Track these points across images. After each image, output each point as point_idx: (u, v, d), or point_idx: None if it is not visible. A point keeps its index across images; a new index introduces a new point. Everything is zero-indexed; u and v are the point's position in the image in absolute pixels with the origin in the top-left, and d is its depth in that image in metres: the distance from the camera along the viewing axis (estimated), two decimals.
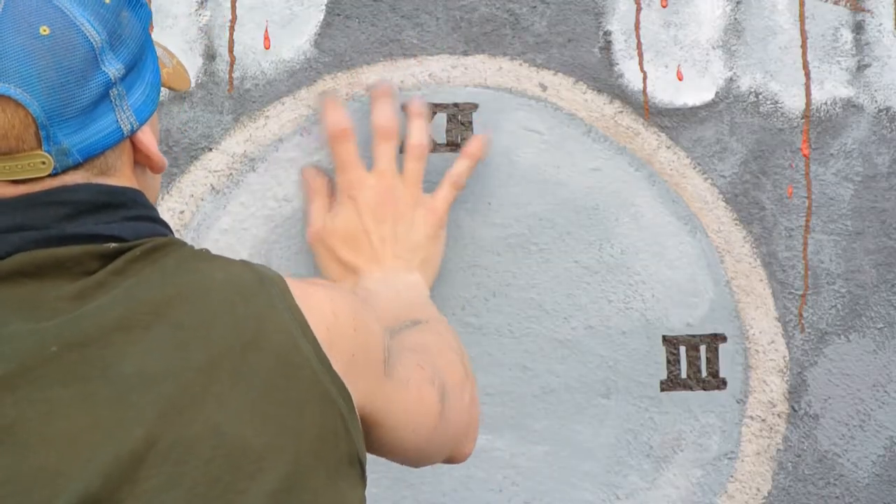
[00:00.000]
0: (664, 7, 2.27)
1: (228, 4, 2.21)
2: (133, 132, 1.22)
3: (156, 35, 2.25)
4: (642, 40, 2.26)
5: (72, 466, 1.02)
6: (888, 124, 2.29)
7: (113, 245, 1.16)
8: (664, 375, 2.24)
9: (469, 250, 2.21)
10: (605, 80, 2.25)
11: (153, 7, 2.22)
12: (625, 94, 2.25)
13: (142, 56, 1.23)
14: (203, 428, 1.07)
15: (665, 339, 2.24)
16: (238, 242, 2.18)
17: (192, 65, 2.20)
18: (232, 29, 2.22)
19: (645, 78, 2.26)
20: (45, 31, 1.14)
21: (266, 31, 2.21)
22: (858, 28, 2.29)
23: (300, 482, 1.12)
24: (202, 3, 2.21)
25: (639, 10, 2.26)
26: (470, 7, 2.23)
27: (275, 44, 2.21)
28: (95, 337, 1.09)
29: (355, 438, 1.20)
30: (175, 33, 2.21)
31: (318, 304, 1.24)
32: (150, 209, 1.25)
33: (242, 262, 1.25)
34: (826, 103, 2.28)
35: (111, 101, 1.19)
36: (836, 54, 2.29)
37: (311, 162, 2.20)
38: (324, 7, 2.22)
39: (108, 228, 1.17)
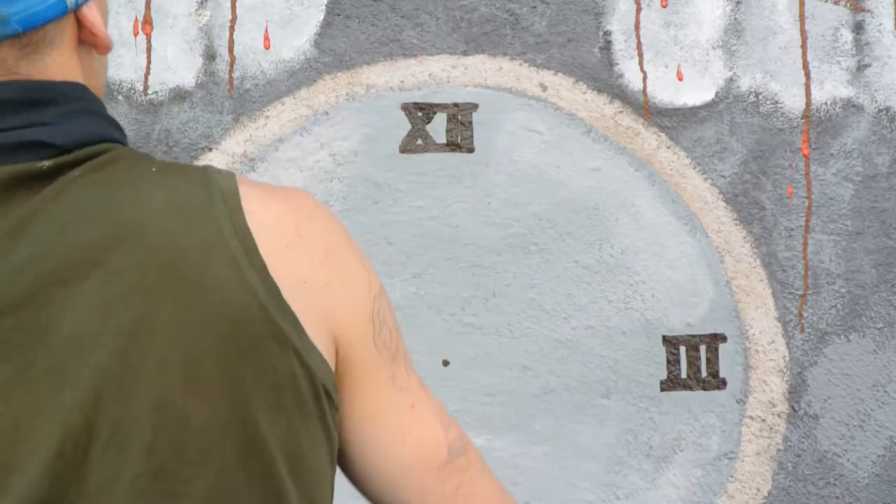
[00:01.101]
0: (664, 7, 2.27)
1: (228, 4, 2.21)
2: (78, 6, 1.14)
3: (156, 35, 2.25)
4: (642, 40, 2.26)
5: (16, 459, 0.96)
6: (888, 124, 2.29)
7: (47, 164, 1.06)
8: (664, 375, 2.24)
9: (469, 250, 2.21)
10: (605, 80, 2.25)
11: (153, 7, 2.22)
12: (625, 94, 2.25)
13: None
14: (143, 405, 0.97)
15: (665, 339, 2.24)
16: None
17: (192, 65, 2.20)
18: (232, 29, 2.21)
19: (645, 78, 2.26)
20: None
21: (266, 31, 2.21)
22: (858, 28, 2.29)
23: (255, 448, 1.02)
24: (202, 3, 2.21)
25: (639, 10, 2.26)
26: (470, 7, 2.23)
27: (275, 44, 2.21)
28: (32, 294, 1.00)
29: (315, 369, 1.07)
30: (175, 33, 2.20)
31: (276, 221, 1.09)
32: (92, 102, 1.14)
33: (196, 170, 1.10)
34: (826, 103, 2.28)
35: None
36: (836, 54, 2.29)
37: (311, 162, 2.20)
38: (324, 7, 2.22)
39: (37, 132, 1.08)
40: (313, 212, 1.13)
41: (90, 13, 1.16)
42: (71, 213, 1.04)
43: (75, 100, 1.13)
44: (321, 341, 1.10)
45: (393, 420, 1.19)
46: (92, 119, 1.13)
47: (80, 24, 1.16)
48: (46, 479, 0.98)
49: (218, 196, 1.07)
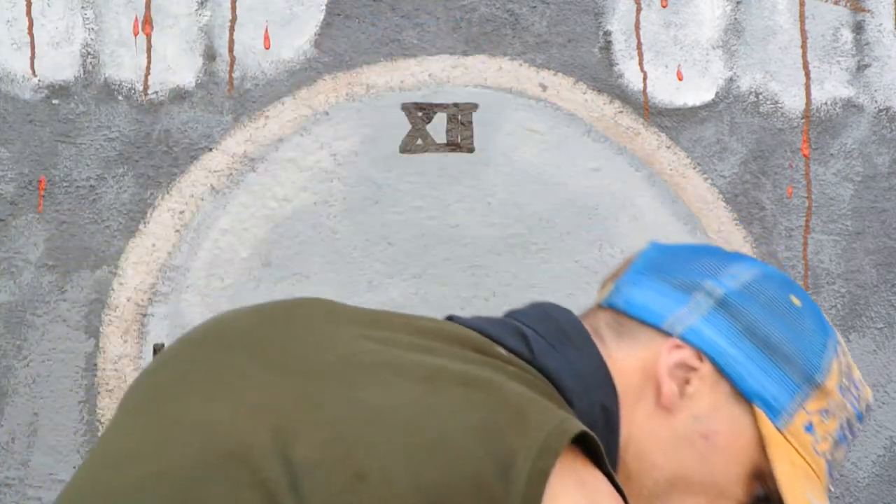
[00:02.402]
0: (664, 7, 2.27)
1: (228, 4, 2.21)
2: (679, 337, 1.10)
3: (156, 35, 2.25)
4: (642, 40, 2.26)
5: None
6: (888, 124, 2.29)
7: (502, 350, 1.05)
8: None
9: (469, 250, 2.21)
10: (605, 80, 2.25)
11: (153, 7, 2.22)
12: (625, 94, 2.25)
13: (764, 351, 1.11)
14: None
15: None
16: (238, 242, 2.17)
17: (192, 65, 2.20)
18: (232, 29, 2.21)
19: (645, 78, 2.26)
20: (796, 301, 1.13)
21: (266, 31, 2.21)
22: (858, 28, 2.29)
23: None
24: (202, 3, 2.21)
25: (639, 10, 2.26)
26: (470, 7, 2.23)
27: (275, 44, 2.21)
28: (337, 366, 1.01)
29: None
30: (175, 33, 2.21)
31: None
32: (597, 397, 1.05)
33: (540, 423, 0.95)
34: (826, 103, 2.28)
35: (690, 299, 1.12)
36: (836, 54, 2.29)
37: (311, 162, 2.20)
38: (324, 7, 2.22)
39: (530, 331, 1.08)
40: None
41: (675, 356, 1.10)
42: (424, 378, 1.01)
43: (588, 370, 1.08)
44: None
45: None
46: (573, 380, 1.07)
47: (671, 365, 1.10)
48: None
49: (517, 484, 0.93)
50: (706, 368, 1.10)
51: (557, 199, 2.23)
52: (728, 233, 2.26)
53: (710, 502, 1.13)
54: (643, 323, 1.12)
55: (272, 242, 2.19)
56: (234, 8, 2.21)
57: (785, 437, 1.11)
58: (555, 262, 2.22)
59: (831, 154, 2.28)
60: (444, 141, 2.20)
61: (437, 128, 2.20)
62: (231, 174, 2.20)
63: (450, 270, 2.19)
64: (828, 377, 1.14)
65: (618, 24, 2.25)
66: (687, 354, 1.10)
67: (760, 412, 1.10)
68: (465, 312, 2.19)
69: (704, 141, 2.26)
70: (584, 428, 0.96)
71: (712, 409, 1.11)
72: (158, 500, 0.97)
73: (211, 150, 2.20)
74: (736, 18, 2.27)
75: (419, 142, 2.20)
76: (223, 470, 0.97)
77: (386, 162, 2.20)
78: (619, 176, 2.23)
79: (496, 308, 2.19)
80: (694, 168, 2.26)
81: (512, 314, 1.15)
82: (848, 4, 2.29)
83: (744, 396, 1.10)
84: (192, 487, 0.96)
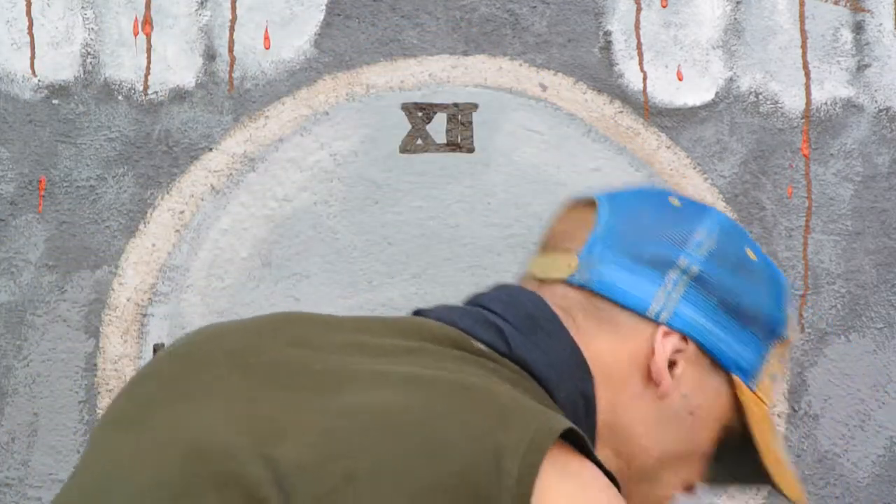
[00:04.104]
0: (664, 7, 2.27)
1: (228, 4, 2.21)
2: (657, 321, 1.10)
3: (156, 35, 2.25)
4: (642, 40, 2.26)
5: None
6: (888, 124, 2.29)
7: (480, 345, 1.06)
8: None
9: (469, 250, 2.21)
10: (605, 80, 2.25)
11: (153, 7, 2.22)
12: (625, 94, 2.25)
13: (736, 318, 1.13)
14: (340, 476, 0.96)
15: None
16: (238, 242, 2.17)
17: (192, 65, 2.20)
18: (232, 29, 2.21)
19: (645, 78, 2.26)
20: (674, 202, 1.17)
21: (266, 31, 2.21)
22: (858, 28, 2.29)
23: None
24: (202, 3, 2.21)
25: (639, 10, 2.26)
26: (470, 7, 2.23)
27: (275, 44, 2.21)
28: (332, 373, 1.02)
29: None
30: (175, 33, 2.21)
31: None
32: (574, 387, 1.07)
33: (526, 422, 0.96)
34: (826, 103, 2.28)
35: (663, 279, 1.12)
36: (836, 54, 2.29)
37: (311, 162, 2.20)
38: (324, 7, 2.22)
39: (503, 323, 1.08)
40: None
41: (667, 343, 1.10)
42: (408, 385, 1.02)
43: (563, 358, 1.09)
44: None
45: None
46: (551, 370, 1.08)
47: (653, 350, 1.11)
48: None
49: (508, 479, 0.94)
50: (691, 349, 1.12)
51: (557, 199, 2.23)
52: None
53: (688, 466, 1.16)
54: (624, 308, 1.12)
55: (272, 242, 2.19)
56: (234, 8, 2.21)
57: (757, 396, 1.15)
58: None
59: (831, 154, 2.28)
60: (444, 141, 2.20)
61: (437, 128, 2.20)
62: (231, 174, 2.20)
63: (450, 270, 2.19)
64: (788, 326, 1.18)
65: (618, 24, 2.25)
66: (676, 340, 1.11)
67: (738, 380, 1.13)
68: None
69: (704, 141, 2.26)
70: (571, 425, 0.97)
71: (697, 386, 1.13)
72: None
73: (211, 150, 2.20)
74: (736, 18, 2.27)
75: (419, 142, 2.21)
76: (212, 482, 0.98)
77: (386, 162, 2.20)
78: (619, 176, 2.23)
79: None
80: (694, 168, 2.26)
81: (477, 300, 1.15)
82: (848, 4, 2.29)
83: (722, 367, 1.13)
84: (181, 503, 0.97)
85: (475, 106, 2.21)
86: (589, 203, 1.19)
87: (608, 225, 1.16)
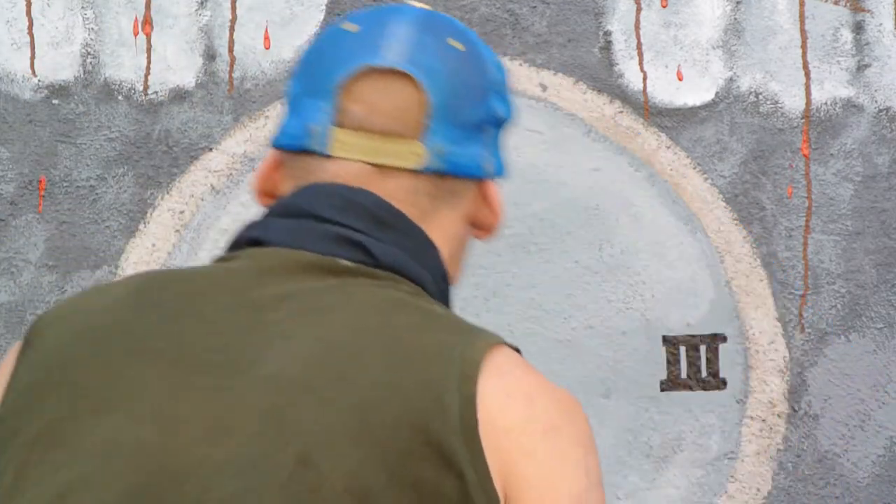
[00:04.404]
0: (664, 7, 2.27)
1: (228, 4, 2.21)
2: (489, 177, 1.19)
3: (156, 35, 2.25)
4: (642, 40, 2.26)
5: (164, 451, 1.01)
6: (888, 124, 2.29)
7: (348, 263, 1.09)
8: (664, 375, 2.24)
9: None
10: (605, 80, 2.25)
11: (153, 7, 2.22)
12: (625, 94, 2.25)
13: (503, 129, 1.24)
14: (290, 456, 1.00)
15: (665, 339, 2.24)
16: None
17: (192, 65, 2.20)
18: (232, 29, 2.21)
19: (645, 78, 2.26)
20: (457, 45, 1.18)
21: (266, 31, 2.21)
22: (858, 28, 2.29)
23: None
24: (202, 3, 2.21)
25: (639, 10, 2.26)
26: (470, 7, 2.23)
27: (275, 44, 2.21)
28: (262, 340, 1.05)
29: None
30: (175, 33, 2.21)
31: (502, 408, 1.04)
32: (433, 266, 1.15)
33: (465, 329, 1.08)
34: (826, 103, 2.28)
35: (482, 136, 1.18)
36: (836, 54, 2.29)
37: None
38: (324, 7, 2.22)
39: (360, 236, 1.11)
40: (536, 399, 1.08)
41: (493, 191, 1.19)
42: (334, 309, 1.07)
43: (416, 241, 1.15)
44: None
45: None
46: (417, 266, 1.13)
47: (479, 199, 1.19)
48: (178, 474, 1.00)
49: (455, 374, 1.05)
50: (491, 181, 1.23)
51: (557, 199, 2.23)
52: (728, 233, 2.26)
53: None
54: (462, 178, 1.17)
55: None
56: (234, 8, 2.21)
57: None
58: (555, 262, 2.22)
59: (831, 154, 2.28)
60: None
61: None
62: (231, 174, 2.20)
63: None
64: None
65: (618, 24, 2.25)
66: (493, 185, 1.20)
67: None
68: (465, 312, 2.19)
69: (704, 141, 2.26)
70: (489, 343, 1.07)
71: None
72: None
73: (211, 150, 2.20)
74: (736, 18, 2.27)
75: None
76: (167, 493, 1.00)
77: None
78: (619, 176, 2.23)
79: (496, 308, 2.19)
80: (694, 168, 2.26)
81: (305, 209, 1.14)
82: (848, 4, 2.29)
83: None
84: None
85: None
86: (401, 75, 1.16)
87: (437, 103, 1.16)
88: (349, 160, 1.15)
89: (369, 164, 1.14)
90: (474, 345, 1.06)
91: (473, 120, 1.18)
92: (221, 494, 0.99)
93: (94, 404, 1.05)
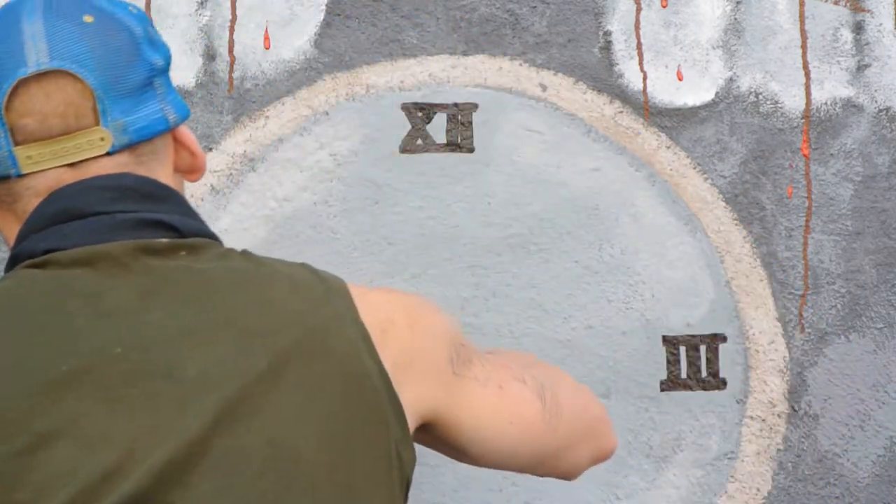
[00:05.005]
0: (664, 7, 2.27)
1: (228, 4, 2.21)
2: (176, 124, 1.25)
3: None
4: (642, 40, 2.26)
5: (129, 466, 1.01)
6: (888, 124, 2.29)
7: (165, 241, 1.15)
8: (664, 375, 2.24)
9: (469, 250, 2.21)
10: (605, 80, 2.25)
11: (153, 7, 2.22)
12: (625, 94, 2.25)
13: (169, 70, 1.28)
14: (258, 438, 1.05)
15: (665, 339, 2.24)
16: (238, 242, 2.17)
17: (192, 65, 2.20)
18: (232, 29, 2.22)
19: (645, 78, 2.26)
20: (88, 19, 1.19)
21: (266, 31, 2.21)
22: (858, 28, 2.29)
23: (354, 500, 1.10)
24: (202, 3, 2.21)
25: (639, 10, 2.26)
26: (470, 7, 2.23)
27: (275, 44, 2.21)
28: (159, 341, 1.07)
29: (407, 466, 1.17)
30: (175, 33, 2.21)
31: (374, 309, 1.22)
32: (193, 211, 1.24)
33: (304, 266, 1.22)
34: (826, 103, 2.28)
35: (155, 90, 1.22)
36: (836, 54, 2.29)
37: (311, 162, 2.20)
38: (324, 7, 2.22)
39: (156, 214, 1.16)
40: (390, 297, 1.27)
41: (187, 134, 1.26)
42: (202, 284, 1.12)
43: (185, 205, 1.22)
44: (413, 423, 1.20)
45: (494, 416, 1.33)
46: (200, 221, 1.22)
47: (177, 145, 1.26)
48: (153, 477, 1.02)
49: (333, 290, 1.18)
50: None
51: (557, 199, 2.23)
52: (728, 233, 2.26)
53: None
54: (155, 136, 1.23)
55: (272, 242, 2.19)
56: (234, 8, 2.21)
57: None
58: (555, 262, 2.22)
59: (831, 154, 2.28)
60: (444, 141, 2.20)
61: (437, 128, 2.20)
62: (231, 174, 2.20)
63: (450, 270, 2.19)
64: None
65: (618, 24, 2.25)
66: (185, 128, 1.29)
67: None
68: (465, 312, 2.19)
69: (704, 141, 2.26)
70: (342, 283, 1.24)
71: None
72: None
73: (211, 150, 2.20)
74: (736, 18, 2.27)
75: (419, 142, 2.21)
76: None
77: (386, 162, 2.20)
78: (619, 176, 2.23)
79: (496, 308, 2.19)
80: (694, 168, 2.26)
81: (62, 213, 1.17)
82: (848, 4, 2.29)
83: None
84: None
85: (475, 106, 2.21)
86: (53, 74, 1.18)
87: (97, 84, 1.18)
88: (45, 171, 1.16)
89: (65, 166, 1.16)
90: (337, 288, 1.21)
91: (139, 81, 1.21)
92: (205, 489, 1.02)
93: (34, 439, 1.05)
